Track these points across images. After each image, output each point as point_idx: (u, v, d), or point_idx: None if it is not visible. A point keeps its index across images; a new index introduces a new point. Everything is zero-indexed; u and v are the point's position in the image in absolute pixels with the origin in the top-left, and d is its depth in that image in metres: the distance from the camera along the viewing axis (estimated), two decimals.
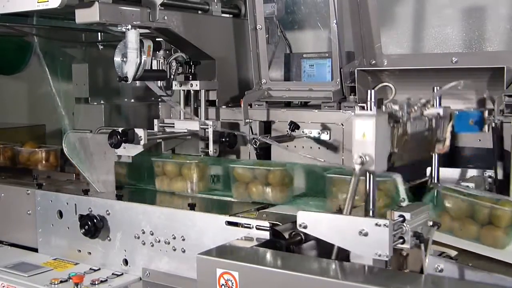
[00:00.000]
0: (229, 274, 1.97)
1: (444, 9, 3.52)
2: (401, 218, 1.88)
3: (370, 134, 1.88)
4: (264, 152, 3.27)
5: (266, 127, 3.35)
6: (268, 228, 2.31)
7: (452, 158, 2.83)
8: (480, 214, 2.19)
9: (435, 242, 2.08)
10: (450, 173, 2.65)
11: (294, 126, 3.08)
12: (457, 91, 2.68)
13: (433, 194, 2.29)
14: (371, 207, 1.95)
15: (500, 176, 2.67)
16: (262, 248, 2.20)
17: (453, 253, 2.10)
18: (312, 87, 3.36)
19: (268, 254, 2.12)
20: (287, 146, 3.13)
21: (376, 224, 1.81)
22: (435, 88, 2.36)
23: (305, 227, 1.96)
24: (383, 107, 2.02)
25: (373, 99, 1.90)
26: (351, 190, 1.95)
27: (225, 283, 1.98)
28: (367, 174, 1.93)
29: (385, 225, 1.80)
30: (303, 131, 3.14)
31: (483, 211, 2.18)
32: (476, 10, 3.43)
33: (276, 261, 2.05)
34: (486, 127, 2.41)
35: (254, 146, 3.05)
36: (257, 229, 2.34)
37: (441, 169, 2.53)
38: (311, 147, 3.17)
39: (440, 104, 2.38)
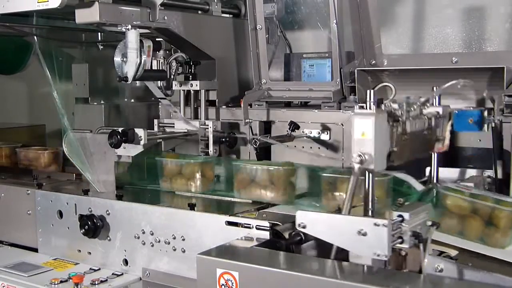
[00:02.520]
0: (229, 274, 1.97)
1: (444, 9, 3.52)
2: (400, 218, 1.88)
3: (369, 132, 1.88)
4: (264, 152, 3.28)
5: (266, 127, 3.35)
6: (268, 228, 2.31)
7: (452, 158, 2.83)
8: (481, 214, 2.18)
9: (435, 242, 2.09)
10: (449, 173, 2.65)
11: (294, 126, 3.09)
12: (457, 91, 2.69)
13: (433, 194, 2.28)
14: (370, 206, 1.95)
15: (499, 176, 2.67)
16: (262, 248, 2.20)
17: (453, 253, 2.09)
18: (312, 87, 3.36)
19: (268, 254, 2.13)
20: (287, 146, 3.13)
21: (375, 224, 1.81)
22: (435, 87, 2.36)
23: (304, 227, 1.96)
24: (382, 106, 2.01)
25: (372, 99, 1.90)
26: (350, 189, 1.94)
27: (225, 283, 1.98)
28: (366, 174, 1.93)
29: (383, 225, 1.80)
30: (303, 131, 3.14)
31: (484, 211, 2.18)
32: (476, 10, 3.42)
33: (276, 261, 2.05)
34: (485, 126, 2.41)
35: (254, 146, 3.05)
36: (257, 229, 2.34)
37: (440, 169, 2.53)
38: (311, 147, 3.17)
39: (439, 103, 2.38)
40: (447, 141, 2.37)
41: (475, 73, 2.84)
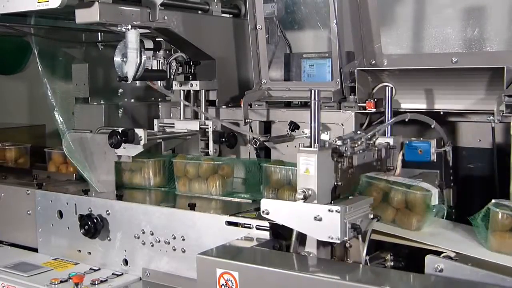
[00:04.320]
0: (229, 274, 1.97)
1: (444, 9, 3.52)
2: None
3: (312, 169, 2.05)
4: (264, 152, 3.28)
5: (266, 127, 3.35)
6: (268, 228, 2.31)
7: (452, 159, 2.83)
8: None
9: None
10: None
11: (294, 126, 3.08)
12: (457, 90, 2.72)
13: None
14: None
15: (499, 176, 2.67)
16: (262, 248, 2.20)
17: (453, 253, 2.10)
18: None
19: (268, 254, 2.13)
20: (287, 146, 3.13)
21: (329, 210, 1.97)
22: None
23: (267, 213, 2.11)
24: (326, 143, 2.16)
25: (316, 135, 2.08)
26: None
27: (225, 283, 1.98)
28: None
29: (337, 211, 1.96)
30: (303, 131, 3.13)
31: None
32: (476, 10, 3.42)
33: (276, 261, 2.05)
34: (434, 156, 2.59)
35: (254, 146, 3.05)
36: (257, 229, 2.34)
37: None
38: None
39: (391, 134, 2.56)
40: (398, 171, 2.53)
41: (475, 73, 2.84)
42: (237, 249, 2.24)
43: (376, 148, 2.47)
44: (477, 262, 1.96)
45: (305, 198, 2.03)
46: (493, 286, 1.85)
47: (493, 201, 2.14)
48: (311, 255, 2.10)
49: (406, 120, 2.54)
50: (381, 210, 2.30)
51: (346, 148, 2.19)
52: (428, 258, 1.96)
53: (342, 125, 3.06)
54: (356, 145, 2.28)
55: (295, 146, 3.17)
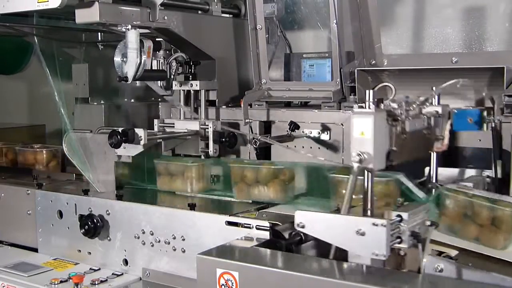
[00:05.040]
0: (229, 274, 1.97)
1: (444, 9, 3.52)
2: (399, 218, 1.88)
3: (368, 131, 1.88)
4: (264, 152, 3.27)
5: (266, 127, 3.35)
6: (268, 228, 2.31)
7: (452, 158, 2.83)
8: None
9: (435, 242, 2.09)
10: (448, 173, 2.65)
11: (294, 126, 3.09)
12: (457, 90, 2.70)
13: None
14: (369, 206, 1.95)
15: (499, 175, 2.67)
16: (262, 248, 2.20)
17: (453, 253, 2.09)
18: (312, 87, 3.36)
19: (268, 254, 2.12)
20: (287, 146, 3.13)
21: (373, 224, 1.81)
22: (434, 87, 2.36)
23: (303, 227, 1.96)
24: (382, 105, 2.02)
25: (371, 99, 1.91)
26: (349, 189, 1.94)
27: (225, 283, 1.98)
28: (365, 173, 1.93)
29: (382, 224, 1.80)
30: (303, 131, 3.14)
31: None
32: (476, 10, 3.42)
33: (276, 261, 2.05)
34: (485, 125, 2.42)
35: (254, 146, 3.05)
36: (257, 229, 2.34)
37: (439, 169, 2.53)
38: (311, 147, 3.17)
39: (439, 102, 2.38)
40: (446, 141, 2.36)
41: (475, 73, 2.84)
42: (237, 249, 2.24)
43: (426, 116, 2.30)
44: (477, 262, 1.97)
45: (361, 162, 1.88)
46: (493, 286, 1.85)
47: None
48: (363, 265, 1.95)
49: (458, 86, 2.40)
50: (462, 226, 2.16)
51: (401, 112, 2.06)
52: (428, 258, 1.95)
53: (342, 125, 3.06)
54: (410, 109, 2.14)
55: (295, 146, 3.17)
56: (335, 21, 3.17)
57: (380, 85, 3.04)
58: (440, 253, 2.07)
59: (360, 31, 3.23)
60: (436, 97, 2.36)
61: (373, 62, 3.26)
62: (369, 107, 1.92)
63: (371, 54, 3.26)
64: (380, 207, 2.21)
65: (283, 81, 3.59)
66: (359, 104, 1.96)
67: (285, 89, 3.44)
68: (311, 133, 3.14)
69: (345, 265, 1.94)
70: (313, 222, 1.95)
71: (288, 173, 2.72)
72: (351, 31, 3.24)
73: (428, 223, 1.97)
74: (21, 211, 3.12)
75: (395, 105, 2.05)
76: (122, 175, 3.13)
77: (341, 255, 1.97)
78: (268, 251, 2.15)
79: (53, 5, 2.59)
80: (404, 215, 1.87)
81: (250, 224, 2.37)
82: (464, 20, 3.46)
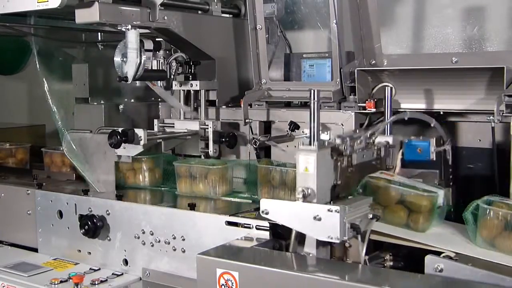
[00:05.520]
0: (229, 274, 1.97)
1: (444, 9, 3.51)
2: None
3: (311, 168, 2.04)
4: (264, 153, 3.27)
5: (266, 127, 3.35)
6: (268, 228, 2.31)
7: (452, 158, 2.83)
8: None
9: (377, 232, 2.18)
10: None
11: (294, 126, 3.08)
12: (457, 91, 2.71)
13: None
14: None
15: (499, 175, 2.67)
16: (262, 248, 2.20)
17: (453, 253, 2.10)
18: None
19: (268, 254, 2.13)
20: (287, 146, 3.13)
21: (329, 210, 1.97)
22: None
23: (267, 213, 2.10)
24: (326, 142, 2.16)
25: (316, 134, 2.09)
26: None
27: (225, 283, 1.98)
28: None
29: (336, 211, 1.96)
30: (303, 131, 3.13)
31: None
32: (476, 10, 3.42)
33: (276, 261, 2.05)
34: (433, 155, 2.53)
35: (254, 146, 3.05)
36: (257, 229, 2.34)
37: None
38: None
39: (391, 133, 2.54)
40: (397, 169, 2.51)
41: (475, 73, 2.84)
42: (237, 249, 2.24)
43: (376, 147, 2.46)
44: (477, 262, 1.96)
45: (305, 197, 2.03)
46: (493, 286, 1.85)
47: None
48: (310, 255, 2.09)
49: (406, 118, 2.54)
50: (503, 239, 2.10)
51: (345, 147, 2.18)
52: (428, 258, 1.96)
53: (342, 125, 3.06)
54: (356, 144, 2.27)
55: (295, 146, 3.17)
56: (335, 21, 3.17)
57: (380, 85, 3.06)
58: (440, 253, 2.07)
59: (360, 31, 3.23)
60: (388, 126, 2.54)
61: (373, 62, 3.26)
62: (313, 145, 2.08)
63: (371, 54, 3.26)
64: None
65: (283, 81, 3.59)
66: (304, 144, 2.11)
67: (285, 89, 3.43)
68: None
69: (345, 265, 1.94)
70: (276, 209, 2.10)
71: None
72: (351, 31, 3.24)
73: (370, 216, 2.10)
74: (21, 211, 3.12)
75: (339, 141, 2.19)
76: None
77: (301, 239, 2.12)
78: (268, 251, 2.15)
79: (53, 5, 2.59)
80: (345, 208, 1.99)
81: (250, 224, 2.37)
82: (464, 20, 3.46)
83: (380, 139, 2.45)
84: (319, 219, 1.99)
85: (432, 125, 2.65)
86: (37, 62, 2.99)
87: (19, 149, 3.90)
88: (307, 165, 2.05)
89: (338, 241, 1.98)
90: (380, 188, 2.33)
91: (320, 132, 3.08)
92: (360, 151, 2.31)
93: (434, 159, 2.57)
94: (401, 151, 2.52)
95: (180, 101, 3.43)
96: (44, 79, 2.97)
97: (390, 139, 2.50)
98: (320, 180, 2.06)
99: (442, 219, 2.34)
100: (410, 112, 2.59)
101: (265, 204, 2.12)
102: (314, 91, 2.15)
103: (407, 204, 2.29)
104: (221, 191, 2.86)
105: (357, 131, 2.37)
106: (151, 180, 3.16)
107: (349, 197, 2.21)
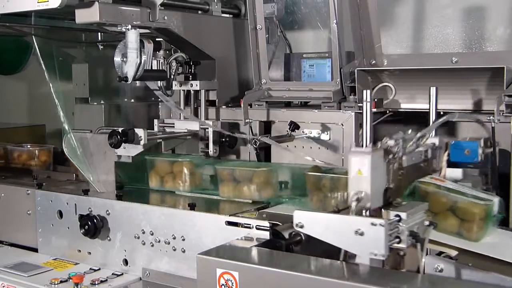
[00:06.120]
0: (229, 274, 1.97)
1: (444, 9, 3.52)
2: (397, 218, 1.88)
3: (365, 171, 1.90)
4: (264, 152, 3.27)
5: (266, 127, 3.35)
6: (268, 228, 2.31)
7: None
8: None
9: (434, 242, 2.08)
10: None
11: (294, 126, 3.08)
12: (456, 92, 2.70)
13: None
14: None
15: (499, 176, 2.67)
16: (262, 248, 2.20)
17: (453, 253, 2.09)
18: (312, 87, 3.36)
19: (268, 254, 2.12)
20: (287, 146, 3.13)
21: (372, 224, 1.81)
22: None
23: (301, 227, 1.96)
24: (379, 143, 2.04)
25: (368, 136, 1.96)
26: None
27: (225, 283, 1.98)
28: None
29: (380, 224, 1.80)
30: (303, 131, 3.14)
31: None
32: (476, 10, 3.43)
33: (276, 261, 2.05)
34: (481, 157, 2.44)
35: (254, 146, 3.05)
36: (257, 229, 2.34)
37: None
38: (311, 147, 3.17)
39: (436, 134, 2.43)
40: (443, 171, 2.39)
41: (475, 73, 2.84)
42: (237, 249, 2.24)
43: (423, 149, 2.33)
44: (477, 262, 1.96)
45: (359, 201, 1.89)
46: (493, 286, 1.85)
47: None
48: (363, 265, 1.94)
49: (454, 120, 2.43)
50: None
51: (398, 149, 2.07)
52: (428, 258, 1.95)
53: (342, 125, 3.06)
54: (408, 146, 2.15)
55: (295, 146, 3.17)
56: (335, 21, 3.17)
57: (380, 85, 3.06)
58: (440, 253, 2.07)
59: (360, 31, 3.23)
60: (434, 129, 2.40)
61: (373, 62, 3.26)
62: (366, 146, 1.95)
63: (371, 54, 3.26)
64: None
65: (283, 81, 3.59)
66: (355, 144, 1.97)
67: (285, 89, 3.44)
68: (311, 133, 3.14)
69: (345, 265, 1.94)
70: (312, 222, 1.95)
71: None
72: (351, 31, 3.24)
73: (427, 222, 1.97)
74: (21, 211, 3.12)
75: (392, 143, 2.06)
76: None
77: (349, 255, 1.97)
78: (268, 251, 2.15)
79: (53, 5, 2.59)
80: (403, 215, 1.87)
81: (250, 224, 2.37)
82: (464, 20, 3.46)
83: (426, 141, 2.35)
84: (361, 234, 1.82)
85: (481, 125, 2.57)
86: (42, 63, 2.98)
87: (42, 151, 3.77)
88: (360, 168, 1.92)
89: (383, 258, 1.84)
90: (429, 194, 2.17)
91: (320, 132, 3.12)
92: (409, 153, 2.18)
93: (482, 161, 2.49)
94: (447, 152, 2.43)
95: (180, 101, 3.43)
96: (48, 79, 2.96)
97: (436, 140, 2.40)
98: (374, 183, 1.92)
99: (495, 227, 2.24)
100: (459, 114, 2.50)
101: (300, 216, 1.95)
102: (366, 92, 2.00)
103: (460, 212, 2.15)
104: (266, 195, 2.73)
105: (407, 133, 2.21)
106: (191, 184, 2.96)
107: (403, 202, 2.05)
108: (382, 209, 1.95)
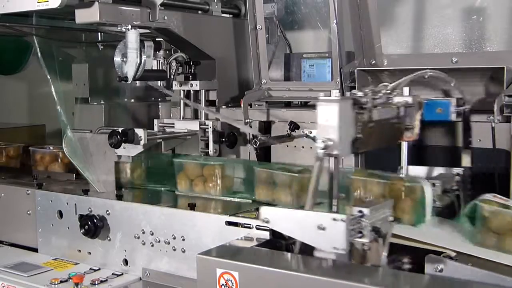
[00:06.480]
0: (229, 274, 1.97)
1: (444, 9, 3.52)
2: (360, 213, 1.93)
3: (333, 119, 1.93)
4: (264, 152, 3.27)
5: (266, 127, 3.35)
6: (268, 228, 2.31)
7: (451, 157, 2.83)
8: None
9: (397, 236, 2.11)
10: (417, 171, 2.62)
11: (294, 126, 3.08)
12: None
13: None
14: (334, 202, 2.01)
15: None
16: (262, 248, 2.20)
17: (453, 253, 2.09)
18: (312, 87, 3.36)
19: (268, 254, 2.12)
20: (287, 146, 3.13)
21: (334, 219, 1.85)
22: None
23: (267, 222, 2.01)
24: (348, 93, 2.06)
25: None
26: (313, 179, 1.98)
27: (225, 283, 1.98)
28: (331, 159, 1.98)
29: (342, 219, 1.84)
30: (303, 131, 3.13)
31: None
32: (476, 10, 3.43)
33: (276, 261, 2.05)
34: (453, 115, 2.46)
35: (254, 146, 3.05)
36: (257, 229, 2.34)
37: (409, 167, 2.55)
38: (311, 147, 3.16)
39: (409, 92, 2.42)
40: (416, 130, 2.39)
41: (475, 73, 2.84)
42: (237, 249, 2.24)
43: (395, 106, 2.33)
44: (477, 262, 1.96)
45: (326, 148, 1.92)
46: (493, 286, 1.85)
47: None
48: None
49: (426, 77, 2.43)
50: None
51: (367, 100, 2.08)
52: (428, 258, 1.95)
53: None
54: (377, 97, 2.17)
55: (295, 146, 3.17)
56: (335, 21, 3.17)
57: (380, 85, 3.05)
58: (440, 253, 2.07)
59: (360, 31, 3.23)
60: (407, 90, 2.40)
61: (373, 62, 3.26)
62: (335, 95, 1.99)
63: (371, 54, 3.26)
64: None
65: (283, 81, 3.59)
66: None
67: (285, 89, 3.44)
68: (311, 133, 3.12)
69: (345, 265, 1.94)
70: (277, 218, 2.00)
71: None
72: (351, 31, 3.24)
73: (391, 218, 2.02)
74: (21, 211, 3.12)
75: (360, 94, 2.09)
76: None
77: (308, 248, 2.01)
78: (268, 251, 2.15)
79: (53, 5, 2.59)
80: (366, 211, 1.92)
81: (250, 224, 2.37)
82: (464, 20, 3.46)
83: (399, 99, 2.35)
84: (323, 229, 1.87)
85: (452, 84, 2.57)
86: (41, 62, 2.98)
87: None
88: (328, 116, 1.93)
89: (344, 253, 1.88)
90: (493, 213, 2.06)
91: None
92: (381, 107, 2.19)
93: (455, 119, 2.49)
94: (420, 111, 2.40)
95: (180, 102, 3.43)
96: (50, 79, 2.95)
97: (409, 99, 2.37)
98: (342, 131, 1.93)
99: None
100: (431, 71, 2.48)
101: (266, 212, 2.02)
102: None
103: None
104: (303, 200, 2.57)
105: (378, 86, 2.25)
106: (223, 188, 2.87)
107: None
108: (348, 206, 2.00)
